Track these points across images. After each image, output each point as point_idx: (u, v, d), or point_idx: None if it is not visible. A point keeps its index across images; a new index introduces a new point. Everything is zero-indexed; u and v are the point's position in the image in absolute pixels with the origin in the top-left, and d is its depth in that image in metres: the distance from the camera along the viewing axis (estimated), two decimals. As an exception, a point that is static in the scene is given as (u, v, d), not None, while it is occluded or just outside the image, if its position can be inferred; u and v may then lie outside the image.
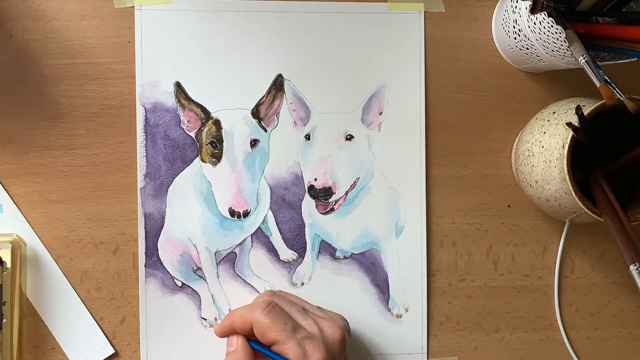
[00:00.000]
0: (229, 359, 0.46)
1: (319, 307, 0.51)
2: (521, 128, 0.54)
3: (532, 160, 0.49)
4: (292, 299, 0.49)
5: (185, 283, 0.52)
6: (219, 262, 0.52)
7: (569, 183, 0.45)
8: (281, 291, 0.52)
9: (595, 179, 0.47)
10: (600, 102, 0.45)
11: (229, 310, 0.52)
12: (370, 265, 0.53)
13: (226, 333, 0.47)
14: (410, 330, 0.53)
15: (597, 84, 0.42)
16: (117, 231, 0.51)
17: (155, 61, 0.51)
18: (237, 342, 0.47)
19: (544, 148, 0.47)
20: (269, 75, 0.52)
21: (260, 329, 0.45)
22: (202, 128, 0.52)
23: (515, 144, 0.54)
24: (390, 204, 0.53)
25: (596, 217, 0.45)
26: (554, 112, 0.49)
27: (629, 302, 0.56)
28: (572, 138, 0.44)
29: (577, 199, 0.45)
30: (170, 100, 0.52)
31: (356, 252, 0.53)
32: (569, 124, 0.44)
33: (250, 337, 0.47)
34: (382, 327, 0.53)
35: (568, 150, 0.44)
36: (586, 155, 0.48)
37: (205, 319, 0.52)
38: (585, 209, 0.45)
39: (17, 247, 0.49)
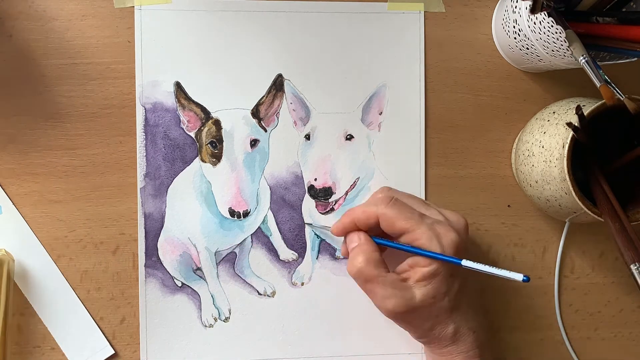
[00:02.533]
0: (354, 253, 0.46)
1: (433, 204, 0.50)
2: (521, 128, 0.54)
3: (532, 160, 0.49)
4: (408, 194, 0.49)
5: (185, 283, 0.52)
6: (219, 262, 0.52)
7: (569, 183, 0.45)
8: (393, 188, 0.50)
9: (595, 179, 0.47)
10: (600, 102, 0.45)
11: (229, 310, 0.52)
12: (370, 265, 0.53)
13: (346, 231, 0.48)
14: (410, 330, 0.53)
15: (597, 84, 0.42)
16: (117, 231, 0.51)
17: (155, 61, 0.51)
18: (360, 237, 0.47)
19: (544, 148, 0.47)
20: (269, 75, 0.52)
21: (387, 220, 0.45)
22: (202, 128, 0.52)
23: (515, 144, 0.54)
24: (390, 204, 0.53)
25: (596, 217, 0.45)
26: (554, 112, 0.49)
27: (629, 302, 0.56)
28: (572, 138, 0.44)
29: (577, 199, 0.45)
30: (170, 100, 0.52)
31: (356, 252, 0.53)
32: (569, 124, 0.44)
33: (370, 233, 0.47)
34: (382, 327, 0.53)
35: (568, 150, 0.44)
36: (586, 155, 0.48)
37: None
38: (585, 209, 0.45)
39: (3, 264, 0.48)
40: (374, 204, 0.46)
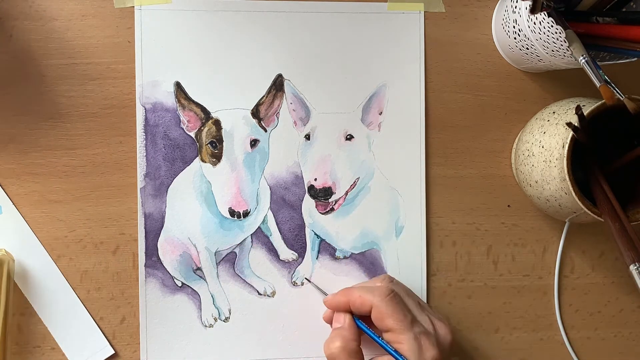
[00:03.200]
0: (334, 335, 0.47)
1: (427, 305, 0.51)
2: (521, 128, 0.54)
3: (532, 160, 0.49)
4: (407, 290, 0.49)
5: (185, 283, 0.52)
6: (219, 262, 0.52)
7: (569, 183, 0.45)
8: (394, 279, 0.51)
9: (595, 179, 0.47)
10: (600, 102, 0.45)
11: (229, 310, 0.52)
12: (370, 265, 0.53)
13: (338, 308, 0.48)
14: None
15: (597, 84, 0.42)
16: (117, 231, 0.51)
17: (155, 61, 0.51)
18: (345, 319, 0.48)
19: (544, 148, 0.47)
20: (269, 75, 0.52)
21: (379, 314, 0.45)
22: (202, 128, 0.52)
23: (515, 144, 0.54)
24: (390, 204, 0.53)
25: (596, 217, 0.45)
26: (554, 112, 0.49)
27: (629, 302, 0.56)
28: (572, 138, 0.44)
29: (577, 199, 0.45)
30: (170, 100, 0.52)
31: (356, 252, 0.53)
32: (569, 124, 0.44)
33: (356, 315, 0.48)
34: (382, 327, 0.53)
35: (568, 150, 0.44)
36: (586, 155, 0.48)
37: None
38: (585, 209, 0.45)
39: (3, 264, 0.48)
40: (372, 292, 0.46)
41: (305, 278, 0.53)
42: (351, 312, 0.48)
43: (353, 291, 0.48)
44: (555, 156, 0.46)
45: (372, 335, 0.47)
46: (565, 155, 0.44)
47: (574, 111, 0.45)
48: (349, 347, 0.46)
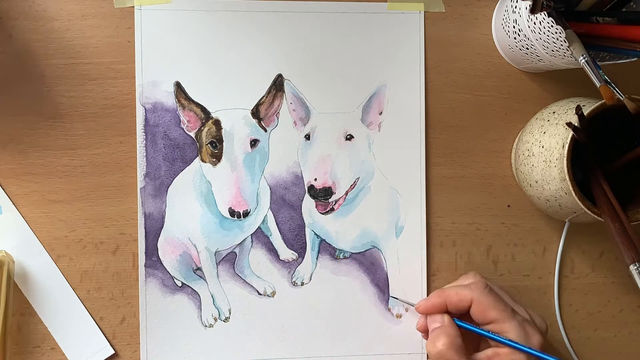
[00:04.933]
0: (437, 334, 0.47)
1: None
2: (521, 128, 0.54)
3: (532, 160, 0.49)
4: (496, 285, 0.50)
5: (185, 283, 0.52)
6: (219, 262, 0.52)
7: (569, 183, 0.45)
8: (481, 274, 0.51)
9: (595, 179, 0.47)
10: (600, 102, 0.45)
11: (229, 310, 0.52)
12: (370, 265, 0.53)
13: (435, 310, 0.48)
14: (410, 330, 0.53)
15: (597, 84, 0.42)
16: (117, 231, 0.51)
17: (155, 61, 0.51)
18: (444, 318, 0.48)
19: (544, 148, 0.47)
20: (269, 75, 0.52)
21: (481, 306, 0.46)
22: (202, 128, 0.52)
23: (515, 144, 0.54)
24: (390, 204, 0.53)
25: (596, 217, 0.45)
26: (554, 112, 0.49)
27: (629, 302, 0.56)
28: (572, 138, 0.44)
29: (577, 199, 0.45)
30: (170, 100, 0.52)
31: (356, 252, 0.53)
32: (569, 124, 0.44)
33: (454, 316, 0.48)
34: (382, 327, 0.53)
35: (568, 150, 0.44)
36: (586, 155, 0.48)
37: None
38: (585, 209, 0.45)
39: (3, 265, 0.48)
40: (468, 288, 0.47)
41: (392, 296, 0.53)
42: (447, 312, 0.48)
43: (448, 290, 0.48)
44: (555, 156, 0.46)
45: (477, 329, 0.47)
46: (565, 155, 0.44)
47: (574, 111, 0.45)
48: (455, 343, 0.46)
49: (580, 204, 0.45)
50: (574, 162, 0.45)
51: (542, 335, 0.46)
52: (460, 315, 0.48)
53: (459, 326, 0.47)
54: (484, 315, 0.46)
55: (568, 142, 0.44)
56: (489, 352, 0.46)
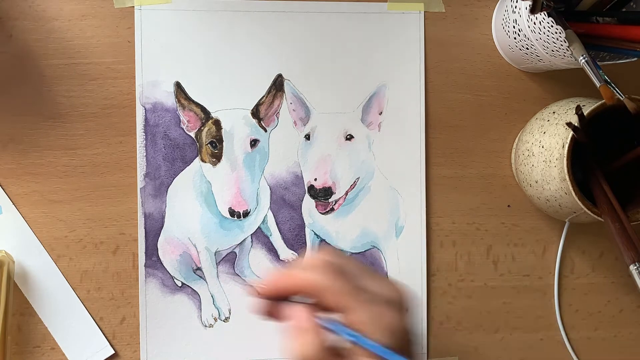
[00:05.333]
0: (302, 341, 0.37)
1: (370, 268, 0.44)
2: (521, 128, 0.54)
3: (532, 160, 0.49)
4: (344, 258, 0.40)
5: (185, 283, 0.52)
6: (219, 262, 0.52)
7: (569, 183, 0.45)
8: (326, 250, 0.45)
9: (595, 179, 0.47)
10: (600, 102, 0.45)
11: (229, 310, 0.52)
12: (370, 265, 0.53)
13: (277, 296, 0.39)
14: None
15: (597, 84, 0.42)
16: (117, 231, 0.51)
17: (155, 61, 0.51)
18: (301, 315, 0.38)
19: (543, 148, 0.47)
20: (269, 75, 0.52)
21: (318, 292, 0.37)
22: (202, 128, 0.52)
23: (515, 144, 0.54)
24: (390, 204, 0.53)
25: (596, 217, 0.45)
26: (554, 112, 0.49)
27: (629, 302, 0.56)
28: (572, 138, 0.44)
29: (577, 199, 0.45)
30: (170, 100, 0.52)
31: (356, 252, 0.53)
32: (569, 124, 0.44)
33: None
34: (382, 327, 0.53)
35: (568, 150, 0.44)
36: (586, 155, 0.48)
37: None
38: (585, 209, 0.45)
39: (3, 265, 0.48)
40: (311, 271, 0.38)
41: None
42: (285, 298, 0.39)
43: (291, 273, 0.38)
44: (555, 156, 0.46)
45: (331, 325, 0.37)
46: (565, 155, 0.44)
47: (574, 111, 0.45)
48: (325, 348, 0.37)
49: (580, 204, 0.45)
50: (574, 162, 0.45)
51: (397, 311, 0.38)
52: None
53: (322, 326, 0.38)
54: (324, 301, 0.37)
55: (568, 142, 0.44)
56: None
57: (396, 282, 0.40)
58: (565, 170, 0.45)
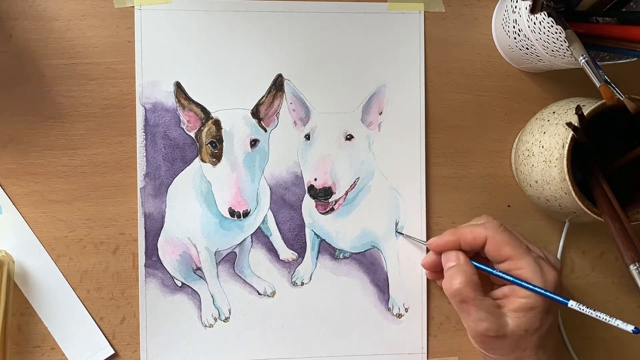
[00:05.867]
0: (453, 272, 0.46)
1: None
2: (521, 128, 0.54)
3: (532, 160, 0.49)
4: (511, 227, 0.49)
5: (185, 283, 0.52)
6: (219, 262, 0.52)
7: (568, 183, 0.45)
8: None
9: (595, 179, 0.47)
10: (600, 102, 0.45)
11: (229, 310, 0.52)
12: (370, 265, 0.53)
13: (447, 248, 0.48)
14: (410, 330, 0.53)
15: (597, 84, 0.42)
16: (117, 231, 0.51)
17: (155, 61, 0.51)
18: (460, 257, 0.47)
19: (543, 148, 0.47)
20: (269, 75, 0.52)
21: (496, 244, 0.46)
22: (202, 128, 0.52)
23: (515, 144, 0.54)
24: (390, 204, 0.53)
25: (596, 217, 0.45)
26: (553, 112, 0.49)
27: (629, 302, 0.56)
28: (572, 138, 0.44)
29: (577, 199, 0.45)
30: (170, 100, 0.52)
31: (356, 252, 0.53)
32: (569, 124, 0.44)
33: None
34: (382, 327, 0.53)
35: (568, 150, 0.44)
36: (586, 155, 0.48)
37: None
38: (585, 209, 0.45)
39: (3, 265, 0.48)
40: (483, 227, 0.47)
41: (398, 232, 0.52)
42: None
43: (462, 229, 0.48)
44: (555, 156, 0.46)
45: (492, 270, 0.46)
46: (565, 155, 0.44)
47: (574, 111, 0.45)
48: (472, 280, 0.46)
49: (580, 204, 0.45)
50: (574, 162, 0.45)
51: (557, 271, 0.46)
52: (474, 256, 0.48)
53: (475, 267, 0.47)
54: (499, 253, 0.46)
55: (568, 142, 0.44)
56: (505, 289, 0.46)
57: (554, 255, 0.48)
58: (565, 170, 0.45)
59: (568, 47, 0.44)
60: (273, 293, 0.53)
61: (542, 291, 0.44)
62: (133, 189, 0.51)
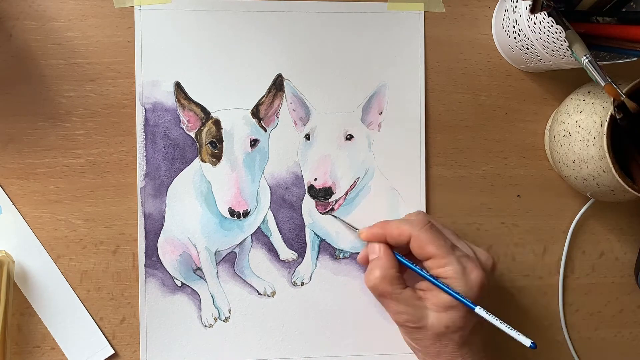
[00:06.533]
0: (372, 267, 0.47)
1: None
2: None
3: (569, 140, 0.49)
4: (442, 224, 0.49)
5: (185, 283, 0.52)
6: (219, 262, 0.52)
7: (609, 160, 0.44)
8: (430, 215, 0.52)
9: (633, 158, 0.47)
10: (637, 80, 0.45)
11: (229, 310, 0.52)
12: (370, 265, 0.53)
13: (373, 239, 0.48)
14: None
15: (602, 83, 0.42)
16: (117, 231, 0.51)
17: (155, 61, 0.51)
18: (380, 249, 0.48)
19: (580, 127, 0.47)
20: (269, 75, 0.52)
21: (419, 242, 0.46)
22: (202, 128, 0.52)
23: (548, 125, 0.54)
24: (390, 204, 0.53)
25: (636, 193, 0.45)
26: (589, 92, 0.49)
27: (629, 302, 0.56)
28: (610, 116, 0.44)
29: (617, 176, 0.44)
30: (170, 100, 0.52)
31: (356, 252, 0.53)
32: (617, 111, 0.44)
33: (393, 249, 0.48)
34: (382, 327, 0.53)
35: (607, 128, 0.44)
36: (622, 134, 0.47)
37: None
38: (625, 185, 0.45)
39: (2, 265, 0.48)
40: (409, 223, 0.47)
41: (332, 215, 0.52)
42: (387, 244, 0.48)
43: (389, 223, 0.48)
44: (593, 135, 0.46)
45: (412, 266, 0.47)
46: (605, 133, 0.44)
47: (612, 104, 0.45)
48: (389, 275, 0.46)
49: (621, 181, 0.45)
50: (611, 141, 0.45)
51: (484, 270, 0.46)
52: (407, 252, 0.48)
53: (398, 260, 0.47)
54: (422, 251, 0.46)
55: (607, 120, 0.44)
56: (423, 285, 0.46)
57: (488, 253, 0.48)
58: (605, 148, 0.44)
59: (569, 47, 0.44)
60: (273, 293, 0.53)
61: (452, 293, 0.44)
62: (133, 189, 0.51)
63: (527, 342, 0.42)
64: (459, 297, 0.44)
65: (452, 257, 0.45)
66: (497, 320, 0.44)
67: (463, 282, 0.44)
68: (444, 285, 0.45)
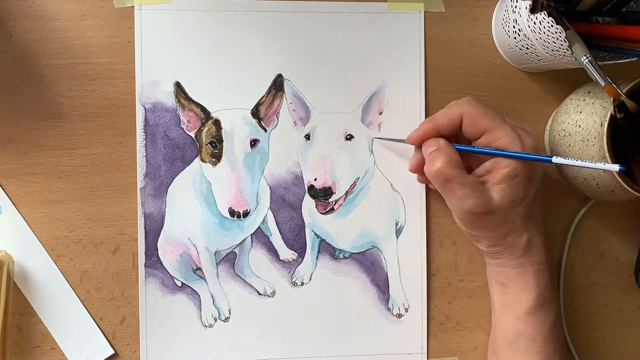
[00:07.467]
0: (433, 156, 0.46)
1: None
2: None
3: (569, 140, 0.49)
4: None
5: (185, 283, 0.52)
6: (219, 262, 0.52)
7: (609, 160, 0.44)
8: None
9: (633, 158, 0.47)
10: (637, 80, 0.45)
11: (229, 310, 0.52)
12: (370, 265, 0.53)
13: (426, 137, 0.48)
14: (410, 330, 0.53)
15: (602, 83, 0.42)
16: (117, 231, 0.51)
17: (155, 61, 0.51)
18: (439, 141, 0.47)
19: (580, 127, 0.47)
20: (269, 75, 0.52)
21: (471, 118, 0.45)
22: (202, 128, 0.52)
23: (548, 125, 0.54)
24: (390, 204, 0.53)
25: (636, 193, 0.45)
26: (589, 92, 0.49)
27: (629, 302, 0.56)
28: (610, 117, 0.44)
29: (617, 176, 0.45)
30: (170, 100, 0.52)
31: (356, 252, 0.53)
32: (617, 111, 0.44)
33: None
34: (382, 327, 0.53)
35: (608, 128, 0.44)
36: (622, 134, 0.47)
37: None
38: (625, 185, 0.45)
39: (2, 265, 0.48)
40: (455, 105, 0.47)
41: (376, 137, 0.52)
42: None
43: (435, 115, 0.48)
44: (593, 135, 0.46)
45: (471, 148, 0.46)
46: (605, 134, 0.44)
47: (612, 104, 0.45)
48: (453, 159, 0.45)
49: (621, 181, 0.45)
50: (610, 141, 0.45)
51: (534, 137, 0.46)
52: (454, 139, 0.48)
53: (456, 149, 0.47)
54: (476, 126, 0.46)
55: (607, 120, 0.44)
56: (487, 164, 0.46)
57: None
58: (606, 148, 0.44)
59: (569, 47, 0.44)
60: (273, 293, 0.53)
61: (524, 155, 0.44)
62: (133, 189, 0.51)
63: (615, 167, 0.42)
64: (530, 155, 0.44)
65: (506, 127, 0.45)
66: (577, 160, 0.43)
67: (520, 148, 0.44)
68: (508, 151, 0.44)
